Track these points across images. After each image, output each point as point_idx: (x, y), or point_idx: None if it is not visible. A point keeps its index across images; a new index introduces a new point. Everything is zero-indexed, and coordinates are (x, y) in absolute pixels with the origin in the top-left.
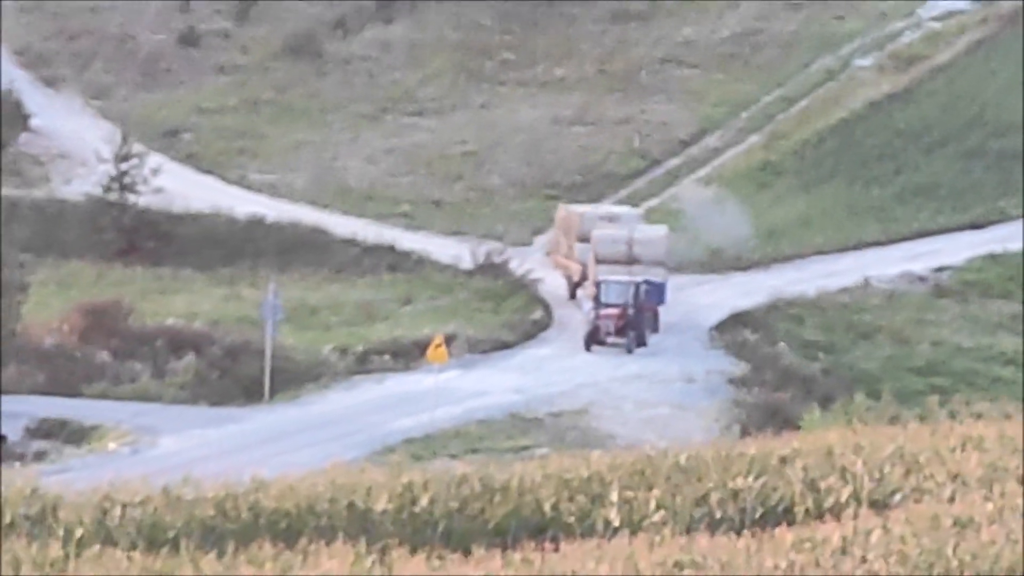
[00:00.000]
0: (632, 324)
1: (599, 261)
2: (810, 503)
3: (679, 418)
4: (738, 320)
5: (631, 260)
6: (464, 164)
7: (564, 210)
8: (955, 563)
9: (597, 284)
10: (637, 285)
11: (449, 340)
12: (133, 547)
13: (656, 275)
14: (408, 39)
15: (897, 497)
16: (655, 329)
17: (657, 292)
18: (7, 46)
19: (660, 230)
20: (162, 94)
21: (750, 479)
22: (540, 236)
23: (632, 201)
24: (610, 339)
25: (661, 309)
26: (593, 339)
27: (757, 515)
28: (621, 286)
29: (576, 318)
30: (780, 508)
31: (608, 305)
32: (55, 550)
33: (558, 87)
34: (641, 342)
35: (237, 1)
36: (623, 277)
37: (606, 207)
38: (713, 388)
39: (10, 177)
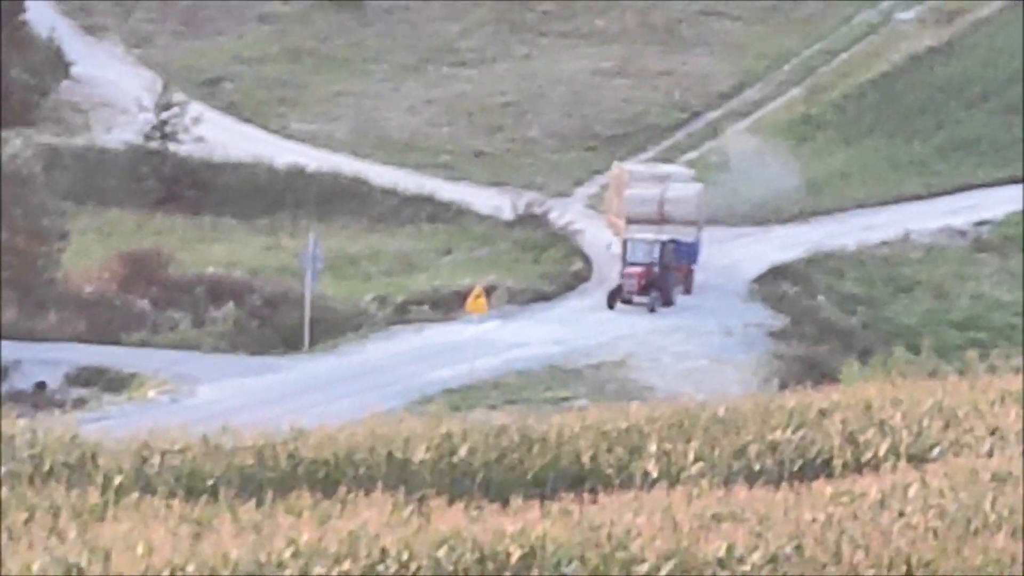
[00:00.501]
0: (656, 283)
1: (630, 220)
2: (848, 456)
3: (717, 371)
4: (777, 273)
5: (662, 219)
6: (505, 115)
7: (616, 167)
8: (993, 517)
9: (624, 242)
10: (663, 244)
11: (489, 291)
12: (172, 495)
13: (687, 235)
14: None
15: (935, 451)
16: (688, 289)
17: (687, 252)
18: None
19: (693, 189)
20: (203, 43)
21: (788, 432)
22: (580, 187)
23: (672, 154)
24: (635, 298)
25: (699, 263)
26: (616, 297)
27: (795, 468)
28: (647, 245)
29: (616, 271)
30: (818, 461)
31: (634, 264)
32: (94, 497)
33: (599, 39)
34: (667, 301)
35: None
36: (649, 236)
37: (658, 166)
38: (752, 341)
39: (51, 125)
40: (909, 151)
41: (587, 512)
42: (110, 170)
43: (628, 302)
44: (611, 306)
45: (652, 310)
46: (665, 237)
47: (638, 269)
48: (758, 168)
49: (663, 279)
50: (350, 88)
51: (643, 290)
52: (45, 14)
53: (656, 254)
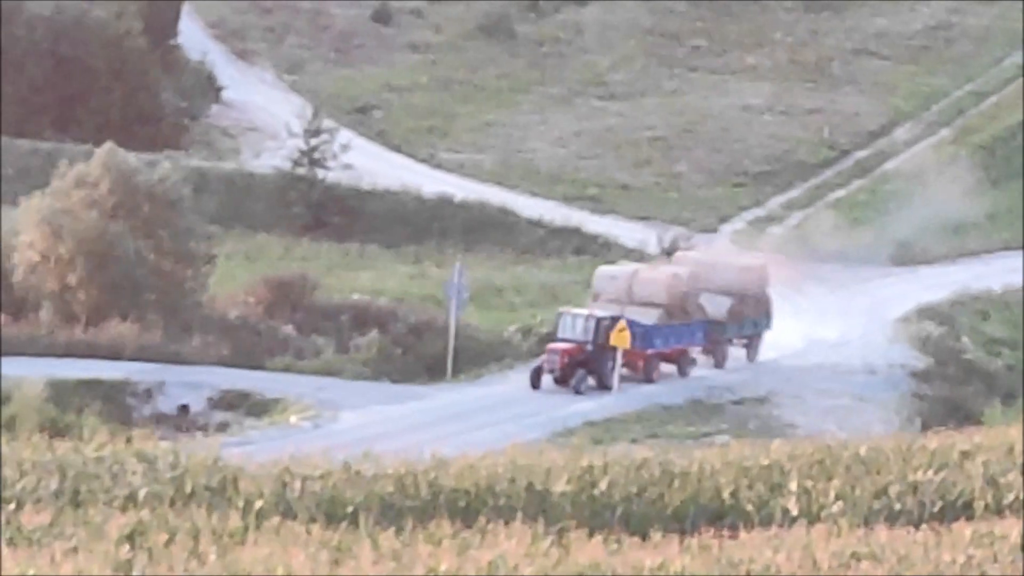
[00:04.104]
0: (587, 363)
1: (596, 296)
2: (990, 498)
3: (860, 410)
4: (922, 314)
5: (632, 299)
6: (653, 149)
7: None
8: None
9: (557, 316)
10: (598, 321)
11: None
12: (312, 520)
13: (647, 316)
14: (601, 22)
15: None
16: (682, 371)
17: (642, 335)
18: (201, 19)
19: (667, 271)
20: (354, 70)
21: (930, 472)
22: (726, 223)
23: (820, 192)
24: (551, 377)
25: (848, 303)
26: (539, 375)
27: (936, 509)
28: (580, 321)
29: None
30: (959, 503)
31: (563, 340)
32: (235, 521)
33: (749, 75)
34: (602, 384)
35: None
36: (582, 311)
37: (734, 254)
38: (895, 381)
39: (200, 148)
40: None
41: (726, 548)
42: (258, 195)
43: (560, 382)
44: (534, 385)
45: (578, 392)
46: (603, 314)
47: (564, 346)
48: (905, 208)
49: (596, 359)
50: (499, 119)
51: (567, 368)
52: (198, 38)
53: (590, 332)
